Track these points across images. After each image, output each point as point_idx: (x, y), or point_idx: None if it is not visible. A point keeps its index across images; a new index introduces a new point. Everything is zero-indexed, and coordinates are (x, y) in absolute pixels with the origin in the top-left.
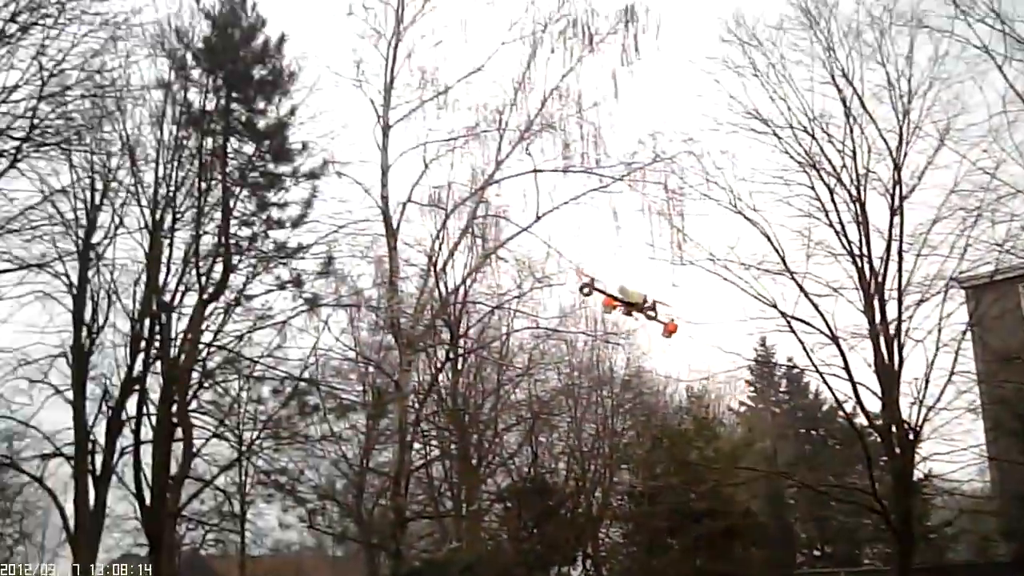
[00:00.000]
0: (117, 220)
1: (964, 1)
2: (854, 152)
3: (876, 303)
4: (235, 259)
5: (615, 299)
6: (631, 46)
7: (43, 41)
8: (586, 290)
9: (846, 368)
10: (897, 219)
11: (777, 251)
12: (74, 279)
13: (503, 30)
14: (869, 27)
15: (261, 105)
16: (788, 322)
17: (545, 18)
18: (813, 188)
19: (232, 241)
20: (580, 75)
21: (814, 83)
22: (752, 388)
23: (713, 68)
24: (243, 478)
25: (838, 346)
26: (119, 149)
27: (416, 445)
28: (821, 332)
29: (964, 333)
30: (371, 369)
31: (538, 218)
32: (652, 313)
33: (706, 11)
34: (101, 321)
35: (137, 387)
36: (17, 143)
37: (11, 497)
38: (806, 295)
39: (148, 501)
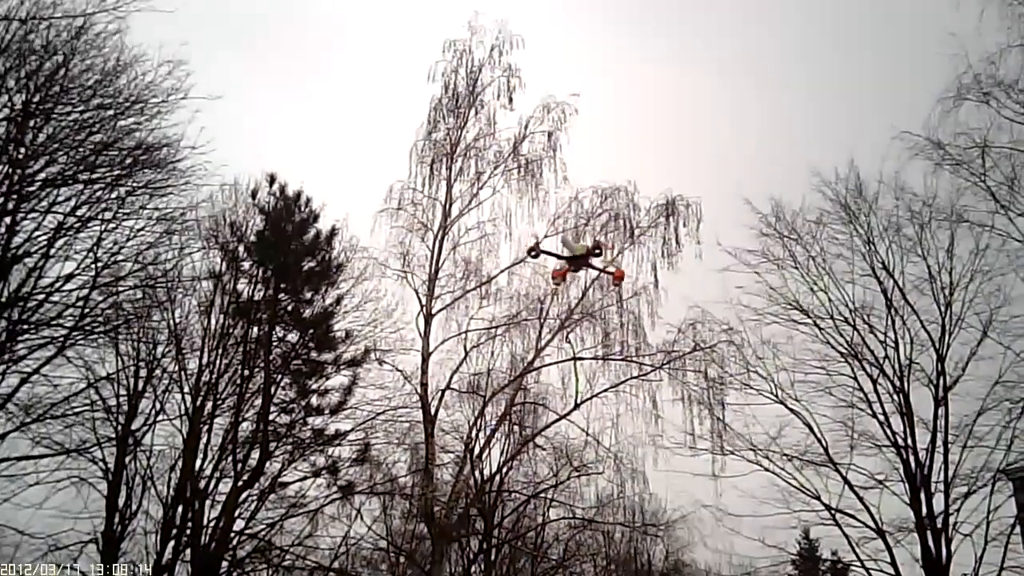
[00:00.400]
0: (158, 406)
1: (1004, 196)
2: (896, 343)
3: (922, 495)
4: (272, 446)
5: (561, 258)
6: (671, 239)
7: (100, 234)
8: (533, 252)
9: (893, 563)
10: (942, 410)
11: (820, 441)
12: (110, 465)
13: (547, 223)
14: (909, 222)
15: (308, 295)
16: (832, 515)
17: (587, 212)
18: (856, 378)
19: (270, 428)
20: (621, 266)
21: (855, 275)
22: None
23: (752, 260)
24: None
25: (884, 540)
26: (166, 337)
27: None
28: (866, 525)
29: (1013, 526)
30: (403, 559)
31: (577, 406)
32: (600, 261)
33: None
34: (134, 507)
35: (166, 575)
36: (66, 331)
37: None
38: (850, 487)
39: None
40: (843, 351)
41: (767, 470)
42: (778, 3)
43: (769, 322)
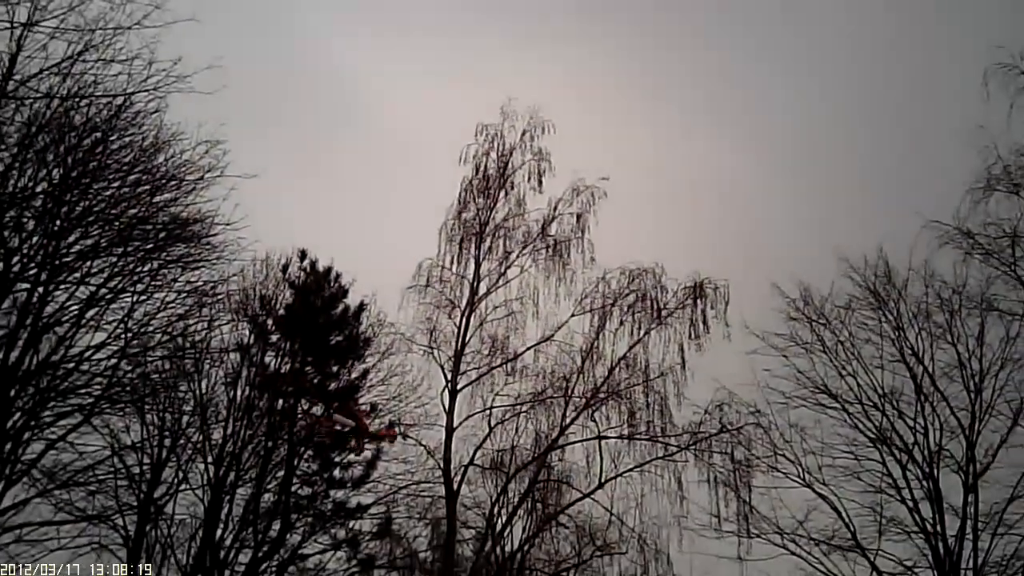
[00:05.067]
0: (181, 475)
1: None
2: (926, 429)
3: None
4: (294, 518)
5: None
6: (699, 320)
7: (131, 305)
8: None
9: None
10: (972, 497)
11: (848, 526)
12: (131, 532)
13: (573, 303)
14: (939, 309)
15: (334, 369)
16: None
17: (615, 293)
18: (884, 463)
19: (292, 500)
20: (648, 346)
21: (884, 360)
22: None
23: (780, 344)
24: None
25: None
26: (192, 407)
27: None
28: None
29: None
30: None
31: (601, 484)
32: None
33: (772, 289)
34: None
35: None
36: (93, 399)
37: None
38: (878, 573)
39: None
40: (872, 436)
41: (794, 554)
42: (804, 88)
43: (797, 405)
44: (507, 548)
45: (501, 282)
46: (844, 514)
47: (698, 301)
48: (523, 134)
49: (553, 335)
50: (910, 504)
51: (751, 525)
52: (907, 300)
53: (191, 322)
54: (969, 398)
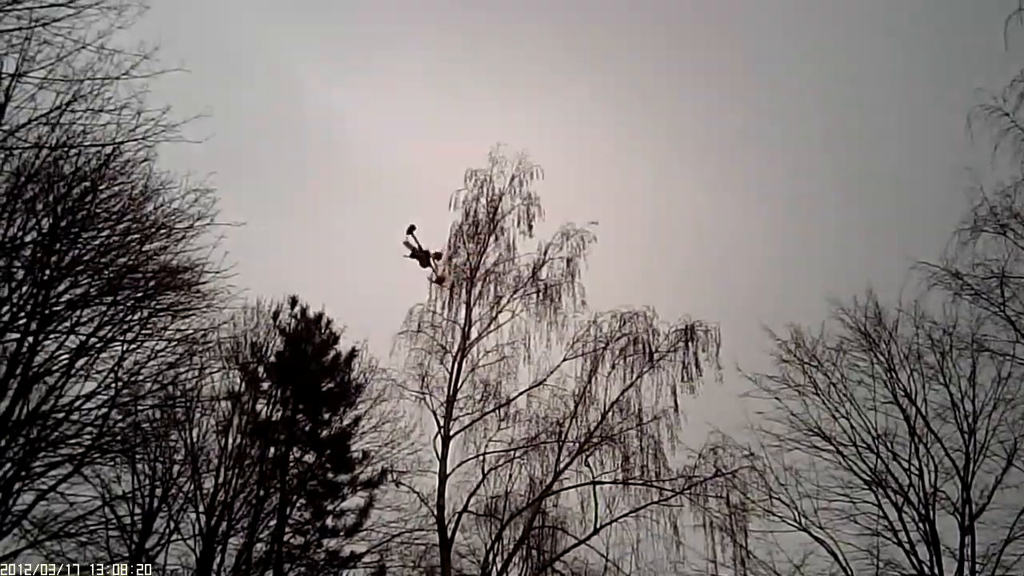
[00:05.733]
0: (173, 525)
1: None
2: (921, 470)
3: None
4: (286, 567)
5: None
6: (691, 363)
7: (122, 354)
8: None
9: None
10: (968, 538)
11: (845, 570)
12: None
13: (565, 347)
14: (929, 350)
15: (326, 416)
16: None
17: (606, 336)
18: (880, 506)
19: (284, 549)
20: (640, 390)
21: (876, 402)
22: None
23: (773, 386)
24: None
25: None
26: (183, 456)
27: None
28: None
29: None
30: None
31: (596, 530)
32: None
33: (763, 332)
34: None
35: None
36: (84, 449)
37: None
38: None
39: None
40: (867, 478)
41: None
42: (793, 132)
43: (791, 448)
44: None
45: (492, 326)
46: (841, 558)
47: (689, 344)
48: (512, 179)
49: (545, 379)
50: (907, 547)
51: (748, 570)
52: (898, 341)
53: (182, 370)
54: (963, 439)
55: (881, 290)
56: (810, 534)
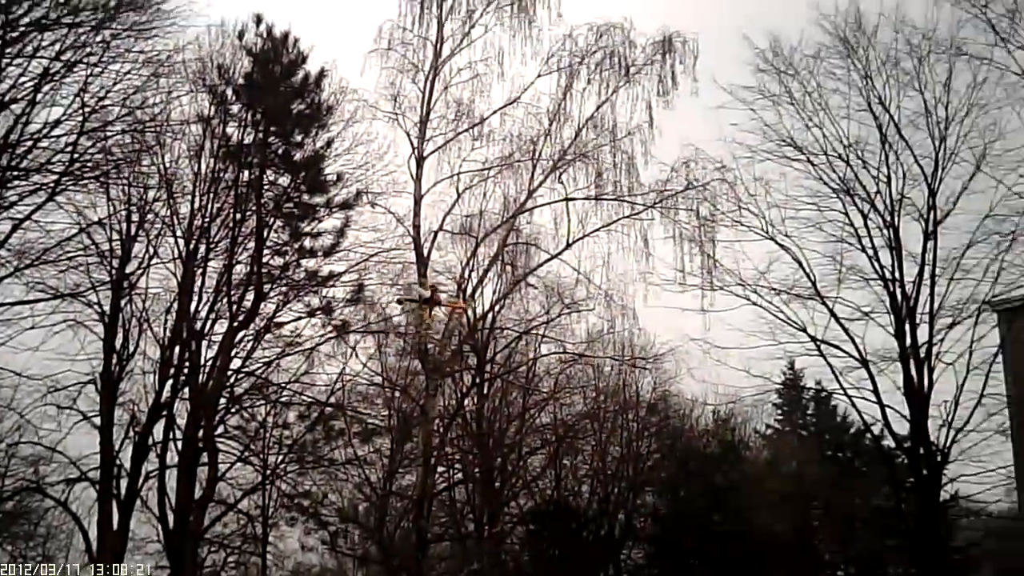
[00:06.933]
0: (151, 250)
1: (1004, 28)
2: (889, 178)
3: (907, 327)
4: (267, 287)
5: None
6: (667, 77)
7: (86, 79)
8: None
9: (875, 391)
10: (931, 244)
11: (808, 276)
12: (106, 308)
13: (540, 62)
14: (907, 55)
15: (298, 138)
16: (818, 346)
17: (582, 51)
18: (847, 214)
19: (264, 270)
20: (615, 105)
21: (850, 110)
22: (779, 412)
23: (748, 97)
24: (267, 502)
25: (868, 369)
26: (157, 182)
27: (440, 468)
28: (851, 356)
29: (995, 356)
30: (397, 394)
31: (568, 245)
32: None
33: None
34: (131, 349)
35: (165, 413)
36: (56, 177)
37: (35, 521)
38: (837, 319)
39: (172, 524)
40: (835, 187)
41: (755, 304)
42: None
43: (763, 159)
44: (478, 310)
45: (465, 43)
46: (805, 264)
47: (667, 56)
48: None
49: (519, 97)
50: (870, 252)
51: (715, 278)
52: (876, 47)
53: (149, 94)
54: (933, 145)
55: None
56: (776, 242)
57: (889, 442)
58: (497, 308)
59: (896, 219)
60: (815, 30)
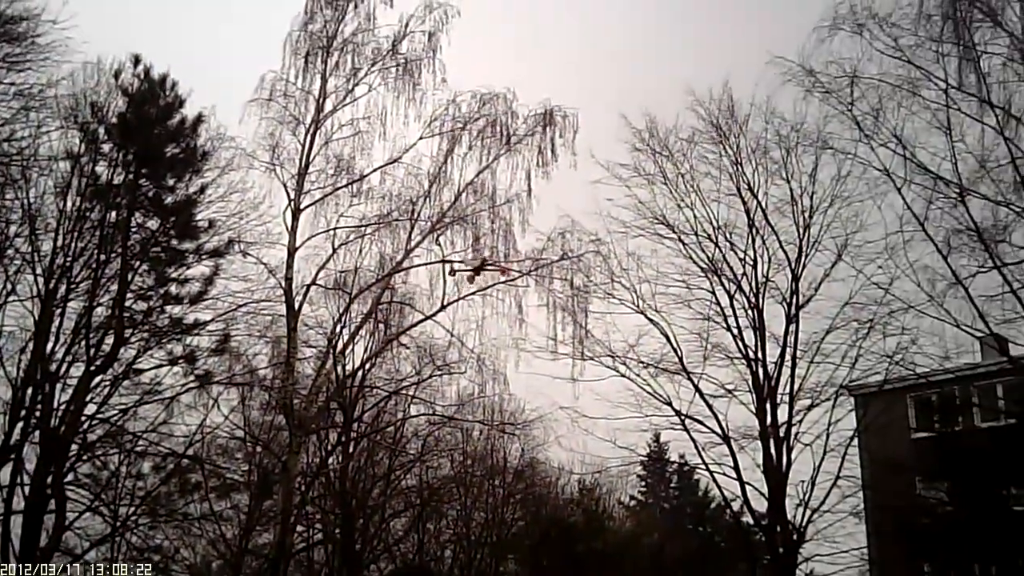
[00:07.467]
0: (9, 287)
1: (868, 126)
2: (755, 261)
3: (768, 406)
4: (128, 332)
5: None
6: (547, 148)
7: None
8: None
9: (736, 467)
10: (793, 327)
11: (675, 351)
12: None
13: (422, 125)
14: (776, 145)
15: (171, 182)
16: (682, 420)
17: (465, 116)
18: (714, 293)
19: (126, 314)
20: (496, 172)
21: (721, 194)
22: (643, 483)
23: (624, 174)
24: (115, 554)
25: (729, 446)
26: (19, 217)
27: (299, 528)
28: (713, 431)
29: (851, 439)
30: (259, 449)
31: (443, 307)
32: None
33: (621, 119)
34: None
35: (13, 456)
36: None
37: None
38: (701, 395)
39: (14, 574)
40: (704, 266)
41: (624, 376)
42: None
43: (636, 235)
44: (348, 367)
45: (348, 100)
46: (673, 339)
47: (547, 129)
48: None
49: (401, 157)
50: (735, 331)
51: (585, 348)
52: (747, 136)
53: (17, 127)
54: (798, 233)
55: (738, 84)
56: (646, 316)
57: (748, 518)
58: (368, 366)
59: (761, 301)
60: (690, 115)
